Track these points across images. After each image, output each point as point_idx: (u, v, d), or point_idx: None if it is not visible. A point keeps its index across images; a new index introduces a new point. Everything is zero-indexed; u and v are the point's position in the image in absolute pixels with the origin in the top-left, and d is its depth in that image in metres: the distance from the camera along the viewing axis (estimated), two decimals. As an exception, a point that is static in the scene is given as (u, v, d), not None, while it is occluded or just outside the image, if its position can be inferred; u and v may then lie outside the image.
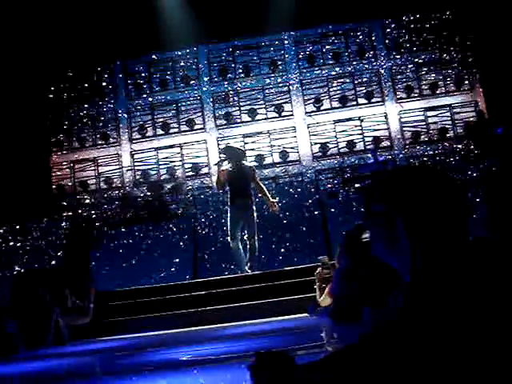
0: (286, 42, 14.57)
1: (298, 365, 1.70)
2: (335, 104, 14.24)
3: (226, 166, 9.44)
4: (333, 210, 10.98)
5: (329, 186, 13.42)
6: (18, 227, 11.59)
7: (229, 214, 9.34)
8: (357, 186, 11.99)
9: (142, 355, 5.80)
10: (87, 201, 14.04)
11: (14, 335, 6.88)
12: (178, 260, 10.80)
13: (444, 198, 1.59)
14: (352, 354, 1.56)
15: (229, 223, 9.30)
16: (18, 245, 11.40)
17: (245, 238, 9.28)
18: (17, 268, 10.84)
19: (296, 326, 6.79)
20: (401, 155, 13.72)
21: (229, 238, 9.30)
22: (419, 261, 1.58)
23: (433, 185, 1.61)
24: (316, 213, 11.08)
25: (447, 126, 13.92)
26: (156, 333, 7.94)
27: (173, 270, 10.68)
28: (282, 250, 10.60)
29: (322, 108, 14.23)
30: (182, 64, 14.77)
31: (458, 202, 1.60)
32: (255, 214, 9.33)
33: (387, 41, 14.38)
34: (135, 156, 14.45)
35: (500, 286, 1.42)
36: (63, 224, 11.91)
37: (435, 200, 1.59)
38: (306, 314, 7.22)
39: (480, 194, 10.21)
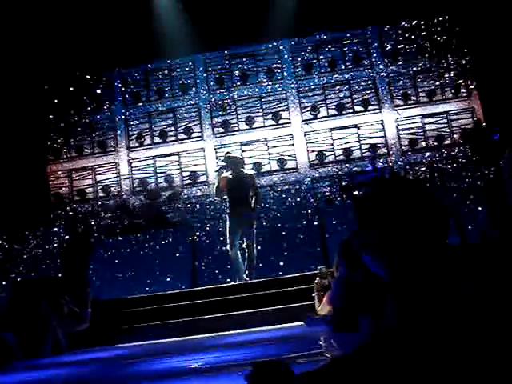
0: (282, 49, 14.60)
1: (296, 374, 1.70)
2: (332, 112, 14.26)
3: (226, 174, 9.47)
4: (330, 217, 10.97)
5: (326, 193, 13.44)
6: (15, 236, 11.58)
7: (228, 223, 9.35)
8: (355, 193, 12.01)
9: (139, 364, 5.78)
10: (85, 209, 14.03)
11: (11, 344, 6.86)
12: (175, 268, 10.78)
13: (421, 207, 1.61)
14: (350, 364, 1.56)
15: (228, 231, 9.30)
16: (16, 253, 11.39)
17: (243, 246, 9.28)
18: (14, 276, 10.82)
19: (295, 335, 6.78)
20: (398, 162, 13.73)
21: (228, 246, 9.30)
22: (404, 267, 1.58)
23: (409, 196, 1.63)
24: (313, 220, 11.07)
25: (444, 133, 13.94)
26: (154, 341, 7.93)
27: (170, 278, 10.66)
28: (280, 258, 10.59)
29: (318, 116, 14.25)
30: (179, 72, 14.79)
31: (434, 212, 1.62)
32: (254, 223, 9.34)
33: (384, 48, 14.41)
34: (133, 164, 14.45)
35: (490, 291, 1.43)
36: (61, 232, 11.90)
37: (414, 209, 1.61)
38: (303, 323, 7.23)
39: (479, 201, 10.22)
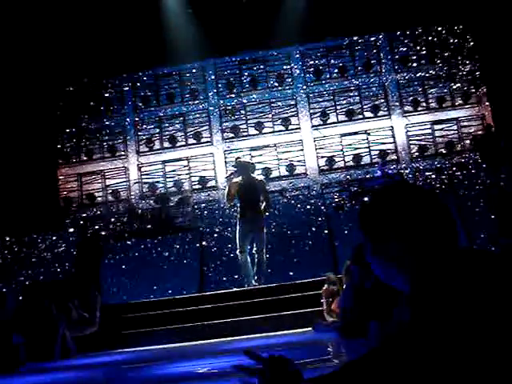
0: (292, 55, 14.60)
1: (306, 379, 1.69)
2: (342, 117, 14.24)
3: (237, 179, 9.46)
4: (339, 223, 10.94)
5: (336, 199, 13.41)
6: (24, 239, 11.62)
7: (238, 227, 9.33)
8: (364, 199, 11.98)
9: (147, 369, 5.77)
10: (94, 213, 14.06)
11: (20, 348, 6.87)
12: (183, 273, 10.77)
13: (428, 213, 1.61)
14: (359, 369, 1.55)
15: (238, 236, 9.28)
16: (25, 257, 11.42)
17: (253, 251, 9.26)
18: (23, 280, 10.84)
19: (303, 340, 6.76)
20: (408, 169, 13.69)
21: (237, 251, 9.28)
22: (417, 275, 1.58)
23: (414, 203, 1.63)
24: (322, 226, 11.04)
25: (454, 140, 13.89)
26: (163, 346, 7.92)
27: (178, 283, 10.65)
28: (289, 264, 10.56)
29: (328, 121, 14.23)
30: (189, 77, 14.81)
31: (441, 217, 1.62)
32: (265, 228, 9.32)
33: (394, 54, 14.39)
34: (142, 169, 14.47)
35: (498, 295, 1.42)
36: (70, 236, 11.94)
37: (420, 217, 1.60)
38: (312, 329, 7.21)
39: (489, 208, 10.17)
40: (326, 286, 7.51)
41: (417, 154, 13.90)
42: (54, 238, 11.77)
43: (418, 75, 14.23)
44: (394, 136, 14.06)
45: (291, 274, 10.26)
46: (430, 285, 1.52)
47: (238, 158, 10.08)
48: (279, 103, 14.48)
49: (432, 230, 1.58)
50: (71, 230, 12.66)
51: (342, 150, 14.09)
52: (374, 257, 1.68)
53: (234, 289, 9.57)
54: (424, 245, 1.57)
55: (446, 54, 14.16)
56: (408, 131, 14.04)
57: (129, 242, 11.61)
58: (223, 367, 4.96)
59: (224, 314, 8.41)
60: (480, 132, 13.71)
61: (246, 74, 14.68)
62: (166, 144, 14.54)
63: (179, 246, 11.17)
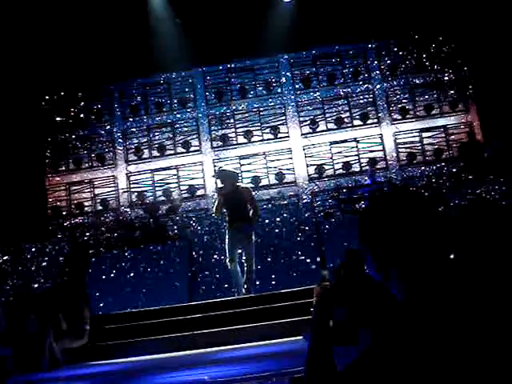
0: (281, 64, 14.62)
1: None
2: (331, 126, 14.27)
3: (223, 191, 9.39)
4: (328, 232, 10.92)
5: (325, 207, 13.40)
6: (12, 249, 11.53)
7: (227, 237, 9.30)
8: (356, 207, 11.98)
9: (136, 379, 5.73)
10: (83, 222, 13.97)
11: (7, 360, 6.79)
12: (173, 282, 10.71)
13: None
14: (348, 378, 1.54)
15: (227, 245, 9.25)
16: (13, 266, 11.32)
17: (242, 260, 9.23)
18: (10, 290, 10.75)
19: (294, 349, 6.73)
20: (397, 176, 13.71)
21: (227, 260, 9.25)
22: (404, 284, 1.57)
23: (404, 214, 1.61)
24: (312, 235, 11.02)
25: (442, 147, 13.94)
26: (152, 356, 7.87)
27: (168, 292, 10.58)
28: (278, 273, 10.52)
29: (317, 130, 14.25)
30: (177, 86, 14.80)
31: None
32: (253, 237, 9.29)
33: (382, 63, 14.44)
34: (131, 178, 14.42)
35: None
36: (58, 246, 11.84)
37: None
38: (302, 337, 7.17)
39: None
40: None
41: (405, 161, 13.94)
42: (42, 247, 11.68)
43: (406, 83, 14.29)
44: (382, 144, 14.09)
45: (281, 282, 10.22)
46: (429, 294, 1.50)
47: (221, 167, 9.97)
48: (268, 111, 14.48)
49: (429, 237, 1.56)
50: (60, 239, 12.55)
51: (331, 158, 14.11)
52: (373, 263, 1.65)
53: (224, 298, 9.53)
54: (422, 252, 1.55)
55: (434, 62, 14.22)
56: (397, 139, 14.08)
57: (117, 252, 11.53)
58: (215, 377, 4.93)
59: (214, 324, 8.36)
60: (465, 140, 13.76)
61: (234, 82, 14.69)
62: (155, 153, 14.50)
63: (168, 255, 11.11)
